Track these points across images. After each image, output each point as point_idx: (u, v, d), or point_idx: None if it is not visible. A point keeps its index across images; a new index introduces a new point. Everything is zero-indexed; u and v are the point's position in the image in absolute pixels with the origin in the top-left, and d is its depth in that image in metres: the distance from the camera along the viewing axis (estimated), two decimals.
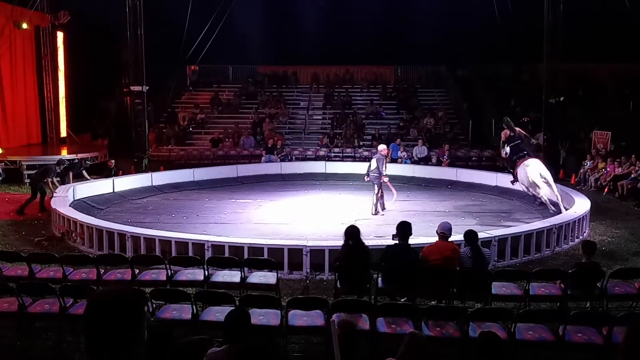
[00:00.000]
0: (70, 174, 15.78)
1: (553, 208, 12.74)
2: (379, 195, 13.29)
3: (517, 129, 14.56)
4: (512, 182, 14.52)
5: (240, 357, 4.28)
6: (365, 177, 13.65)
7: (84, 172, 16.19)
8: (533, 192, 13.75)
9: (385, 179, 13.26)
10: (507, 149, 14.16)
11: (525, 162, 13.53)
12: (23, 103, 21.50)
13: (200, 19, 22.55)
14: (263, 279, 7.94)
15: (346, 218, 11.87)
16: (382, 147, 13.80)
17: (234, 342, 4.36)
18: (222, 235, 10.49)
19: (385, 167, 13.27)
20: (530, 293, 7.41)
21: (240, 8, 23.62)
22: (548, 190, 13.09)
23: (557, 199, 12.77)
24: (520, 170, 13.64)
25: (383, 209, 13.38)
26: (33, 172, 16.05)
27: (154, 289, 7.22)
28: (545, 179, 13.09)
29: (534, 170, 13.16)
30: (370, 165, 13.40)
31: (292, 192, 16.31)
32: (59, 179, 15.19)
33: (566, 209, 12.29)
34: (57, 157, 17.37)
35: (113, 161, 17.58)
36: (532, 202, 14.57)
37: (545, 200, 13.17)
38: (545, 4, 17.86)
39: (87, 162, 17.56)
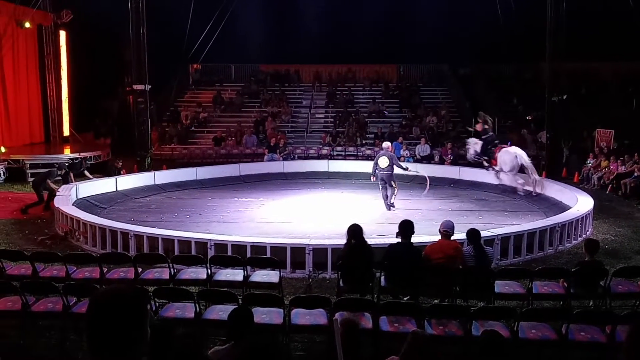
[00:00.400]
0: (72, 174, 15.77)
1: (532, 190, 14.60)
2: (397, 188, 13.53)
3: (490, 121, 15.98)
4: (487, 169, 15.72)
5: (244, 356, 4.28)
6: (372, 177, 13.65)
7: (86, 172, 16.19)
8: (512, 174, 15.01)
9: (410, 168, 14.20)
10: (474, 141, 15.88)
11: (506, 148, 15.25)
12: (26, 102, 21.54)
13: (203, 18, 22.59)
14: (266, 278, 7.94)
15: (349, 216, 11.87)
16: (387, 144, 13.98)
17: (238, 341, 4.36)
18: (225, 234, 10.50)
19: None
20: (533, 292, 7.40)
21: (242, 7, 23.64)
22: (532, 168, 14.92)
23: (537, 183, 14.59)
24: (503, 155, 14.97)
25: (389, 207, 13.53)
26: (36, 171, 16.10)
27: (156, 287, 7.23)
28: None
29: (520, 152, 14.89)
30: (378, 164, 13.32)
31: (295, 190, 16.32)
32: (59, 178, 15.21)
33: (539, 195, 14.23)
34: (60, 156, 17.43)
35: (120, 162, 17.55)
36: (534, 201, 14.58)
37: (522, 183, 14.80)
38: (547, 2, 17.82)
39: (87, 162, 17.55)
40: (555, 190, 14.60)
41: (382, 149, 13.93)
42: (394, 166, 13.29)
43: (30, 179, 16.83)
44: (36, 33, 21.88)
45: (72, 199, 13.44)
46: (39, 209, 13.76)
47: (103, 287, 2.13)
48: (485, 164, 15.52)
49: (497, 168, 15.18)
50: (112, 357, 1.98)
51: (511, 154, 14.77)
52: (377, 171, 13.35)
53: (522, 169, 14.91)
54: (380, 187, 13.56)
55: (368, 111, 24.89)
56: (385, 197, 13.48)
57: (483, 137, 15.55)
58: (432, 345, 4.32)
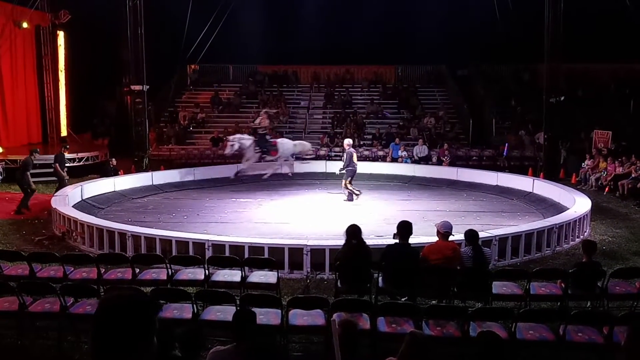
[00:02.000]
0: (57, 165, 15.55)
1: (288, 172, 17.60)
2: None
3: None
4: (262, 159, 17.12)
5: (246, 356, 4.29)
6: (338, 171, 14.93)
7: (57, 166, 15.60)
8: (282, 159, 17.35)
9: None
10: (240, 137, 17.15)
11: (280, 138, 17.93)
12: (24, 102, 21.51)
13: (201, 18, 22.54)
14: (263, 279, 7.94)
15: (347, 217, 11.86)
16: (350, 141, 15.31)
17: (240, 342, 4.37)
18: (223, 235, 10.48)
19: None
20: (531, 292, 7.41)
21: (241, 7, 23.61)
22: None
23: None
24: (285, 144, 17.29)
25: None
26: (33, 171, 16.02)
27: (154, 288, 7.23)
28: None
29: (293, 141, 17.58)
30: (353, 161, 14.46)
31: (293, 191, 16.31)
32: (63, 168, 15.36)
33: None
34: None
35: (114, 160, 17.56)
36: (532, 202, 14.60)
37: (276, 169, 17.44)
38: (545, 3, 17.85)
39: (66, 146, 17.03)
40: (553, 191, 14.62)
41: (350, 146, 14.91)
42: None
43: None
44: (34, 33, 21.85)
45: (75, 200, 13.48)
46: (37, 209, 13.75)
47: (113, 291, 2.10)
48: (262, 155, 16.95)
49: (276, 157, 17.04)
50: None
51: (290, 142, 17.64)
52: (352, 167, 14.41)
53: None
54: (348, 181, 14.53)
55: (366, 112, 24.91)
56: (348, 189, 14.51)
57: (261, 132, 17.12)
58: (430, 346, 4.32)
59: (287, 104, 25.74)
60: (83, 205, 13.56)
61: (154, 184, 16.66)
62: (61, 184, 14.88)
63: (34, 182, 14.77)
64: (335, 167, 19.29)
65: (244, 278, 7.88)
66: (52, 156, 16.10)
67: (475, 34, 22.76)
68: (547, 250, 10.53)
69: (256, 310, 6.43)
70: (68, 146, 17.08)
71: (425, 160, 20.03)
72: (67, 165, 16.22)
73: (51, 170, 15.93)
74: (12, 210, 13.85)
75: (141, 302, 2.04)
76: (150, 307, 2.06)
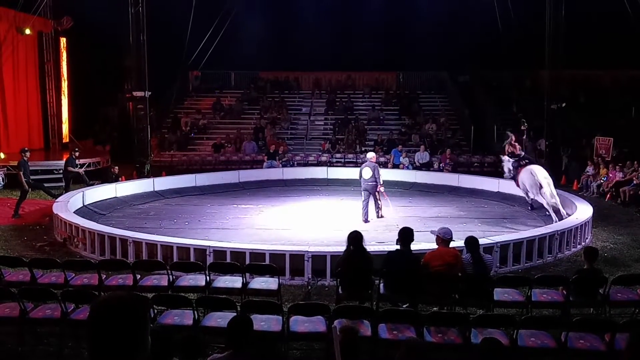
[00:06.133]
0: (70, 168, 15.91)
1: (553, 213, 12.65)
2: (379, 200, 13.18)
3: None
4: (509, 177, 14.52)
5: None
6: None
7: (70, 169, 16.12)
8: (533, 196, 13.53)
9: (382, 188, 13.09)
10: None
11: (529, 167, 13.56)
12: (25, 108, 21.56)
13: (203, 25, 22.66)
14: (264, 285, 7.93)
15: (349, 223, 11.85)
16: (372, 155, 13.47)
17: (237, 349, 4.36)
18: (224, 241, 10.47)
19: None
20: (533, 299, 7.39)
21: (243, 14, 23.73)
22: (550, 192, 12.92)
23: (558, 205, 12.76)
24: (523, 174, 13.52)
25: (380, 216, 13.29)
26: (35, 177, 16.08)
27: (155, 294, 7.21)
28: (549, 183, 13.03)
29: (540, 173, 13.15)
30: (362, 175, 12.94)
31: (294, 197, 16.31)
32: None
33: (568, 215, 12.35)
34: (59, 162, 17.42)
35: (117, 167, 17.58)
36: (533, 209, 14.56)
37: (546, 204, 12.89)
38: (547, 10, 17.89)
39: (75, 150, 17.33)
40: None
41: (366, 159, 13.44)
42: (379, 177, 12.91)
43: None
44: (36, 40, 21.91)
45: (76, 206, 13.50)
46: (37, 215, 13.78)
47: (105, 294, 2.14)
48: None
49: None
50: None
51: (527, 172, 13.53)
52: (364, 182, 12.91)
53: None
54: (363, 198, 13.05)
55: (367, 118, 24.94)
56: (365, 207, 12.96)
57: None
58: (428, 355, 4.30)
59: (289, 111, 25.78)
60: (84, 211, 13.56)
61: (156, 190, 16.67)
62: (67, 185, 15.26)
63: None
64: (337, 173, 19.44)
65: (245, 284, 7.87)
66: (54, 162, 16.22)
67: (476, 40, 22.81)
68: (548, 257, 10.50)
69: (257, 316, 6.45)
70: (78, 150, 17.32)
71: (426, 167, 20.03)
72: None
73: (53, 176, 16.03)
74: (13, 216, 13.89)
75: (131, 301, 2.06)
76: (140, 304, 2.08)
